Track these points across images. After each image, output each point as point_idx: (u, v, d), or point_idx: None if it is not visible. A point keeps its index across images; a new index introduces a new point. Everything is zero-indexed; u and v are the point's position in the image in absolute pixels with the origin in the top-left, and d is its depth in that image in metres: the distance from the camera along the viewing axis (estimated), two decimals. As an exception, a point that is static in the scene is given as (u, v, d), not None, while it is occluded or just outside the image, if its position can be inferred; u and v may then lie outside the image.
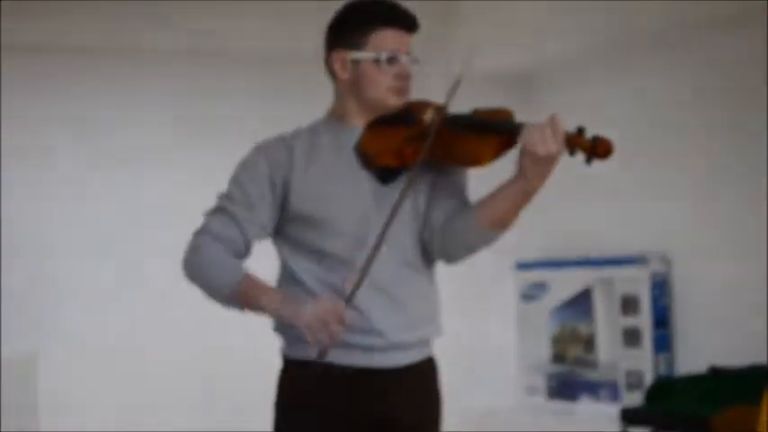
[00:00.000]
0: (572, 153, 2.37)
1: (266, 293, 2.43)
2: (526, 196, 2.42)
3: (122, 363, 5.52)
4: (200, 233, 2.51)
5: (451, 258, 2.56)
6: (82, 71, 5.65)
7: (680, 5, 4.85)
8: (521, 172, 2.39)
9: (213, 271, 2.46)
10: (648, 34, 5.26)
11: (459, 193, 2.57)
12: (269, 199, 2.50)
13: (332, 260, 2.47)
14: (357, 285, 2.36)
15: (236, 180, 2.53)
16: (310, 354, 2.40)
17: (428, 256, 2.56)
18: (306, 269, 2.51)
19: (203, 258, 2.48)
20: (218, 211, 2.51)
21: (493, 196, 2.46)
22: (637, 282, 5.50)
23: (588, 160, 2.36)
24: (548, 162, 2.36)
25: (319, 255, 2.49)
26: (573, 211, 6.01)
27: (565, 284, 5.85)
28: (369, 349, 2.47)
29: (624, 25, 5.17)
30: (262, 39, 5.58)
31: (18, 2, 4.95)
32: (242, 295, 2.44)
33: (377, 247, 2.36)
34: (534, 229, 6.11)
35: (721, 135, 5.10)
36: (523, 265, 6.05)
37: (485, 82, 5.81)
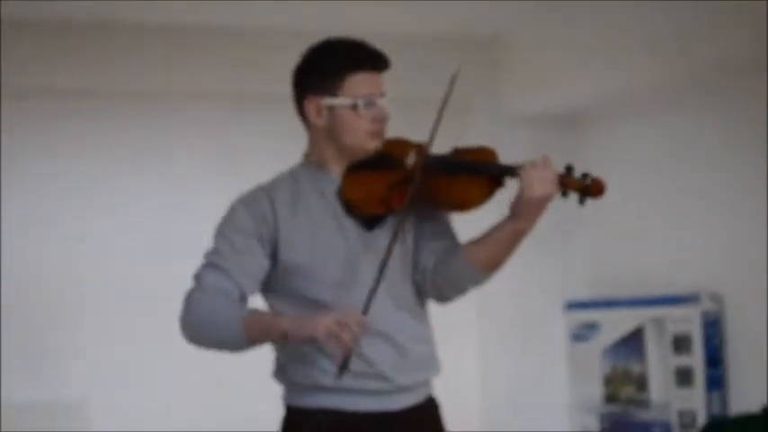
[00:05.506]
0: (564, 194, 2.38)
1: (279, 318, 2.39)
2: (517, 237, 2.42)
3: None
4: (192, 291, 2.44)
5: (444, 299, 2.56)
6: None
7: (729, 43, 4.85)
8: (514, 213, 2.39)
9: (215, 318, 2.38)
10: (696, 73, 5.25)
11: (447, 232, 2.56)
12: (259, 251, 2.44)
13: (322, 308, 2.42)
14: (368, 305, 2.32)
15: (221, 235, 2.47)
16: (311, 401, 2.42)
17: (421, 297, 2.55)
18: None
19: (201, 312, 2.40)
20: (209, 266, 2.45)
21: (484, 238, 2.46)
22: (689, 321, 5.45)
23: (581, 200, 2.37)
24: (542, 203, 2.37)
25: (309, 303, 2.45)
26: (623, 250, 5.98)
27: (616, 324, 5.81)
28: (375, 393, 2.46)
29: (670, 65, 5.16)
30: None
31: (52, 47, 5.20)
32: (254, 328, 2.36)
33: (374, 289, 2.33)
34: (584, 269, 6.10)
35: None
36: (573, 305, 6.02)
37: (528, 123, 5.84)
